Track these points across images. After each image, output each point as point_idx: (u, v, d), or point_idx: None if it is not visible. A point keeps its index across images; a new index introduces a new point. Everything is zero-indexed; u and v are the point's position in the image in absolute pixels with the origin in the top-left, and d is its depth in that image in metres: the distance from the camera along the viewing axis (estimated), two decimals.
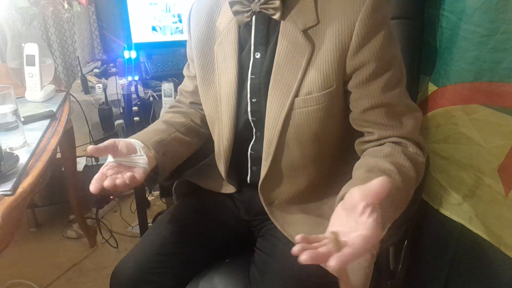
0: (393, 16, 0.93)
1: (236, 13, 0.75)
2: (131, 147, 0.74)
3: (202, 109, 0.90)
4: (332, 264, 0.43)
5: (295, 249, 0.45)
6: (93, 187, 0.66)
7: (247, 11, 0.73)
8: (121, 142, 0.73)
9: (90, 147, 0.66)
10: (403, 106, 0.72)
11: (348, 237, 0.47)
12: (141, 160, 0.74)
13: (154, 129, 0.85)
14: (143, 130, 0.85)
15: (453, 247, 1.01)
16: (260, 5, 0.71)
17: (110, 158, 0.72)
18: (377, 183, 0.48)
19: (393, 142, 0.72)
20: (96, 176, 0.68)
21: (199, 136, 0.94)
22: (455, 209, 0.97)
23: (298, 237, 0.47)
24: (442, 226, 1.02)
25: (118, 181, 0.66)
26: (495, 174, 0.86)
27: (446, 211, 0.99)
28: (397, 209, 0.63)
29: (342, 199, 0.56)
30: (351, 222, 0.49)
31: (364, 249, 0.45)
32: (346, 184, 0.62)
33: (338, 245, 0.46)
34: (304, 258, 0.44)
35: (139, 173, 0.71)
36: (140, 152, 0.74)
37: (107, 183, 0.66)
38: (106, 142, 0.69)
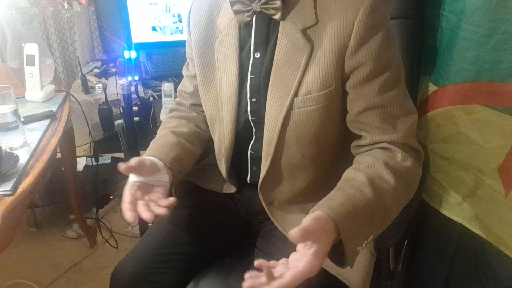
0: (393, 16, 0.93)
1: (236, 12, 0.75)
2: (155, 166, 0.77)
3: (203, 111, 0.90)
4: None
5: (246, 279, 0.55)
6: (130, 216, 0.68)
7: (248, 11, 0.73)
8: (147, 160, 0.75)
9: (121, 165, 0.68)
10: (399, 108, 0.71)
11: (292, 265, 0.56)
12: (164, 178, 0.78)
13: (167, 144, 0.86)
14: (157, 144, 0.86)
15: (453, 247, 1.01)
16: (261, 5, 0.71)
17: (133, 178, 0.74)
18: (306, 219, 0.56)
19: (381, 148, 0.72)
20: (127, 200, 0.70)
21: (203, 143, 0.95)
22: (455, 209, 0.97)
23: (256, 263, 0.54)
24: (442, 226, 1.02)
25: (159, 211, 0.69)
26: (495, 174, 0.86)
27: (446, 211, 0.99)
28: (374, 221, 0.65)
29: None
30: (300, 248, 0.58)
31: (294, 282, 0.54)
32: (320, 201, 0.65)
33: (271, 278, 0.54)
34: (246, 283, 0.55)
35: (164, 192, 0.75)
36: (162, 170, 0.78)
37: (147, 216, 0.68)
38: (135, 161, 0.71)
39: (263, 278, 0.54)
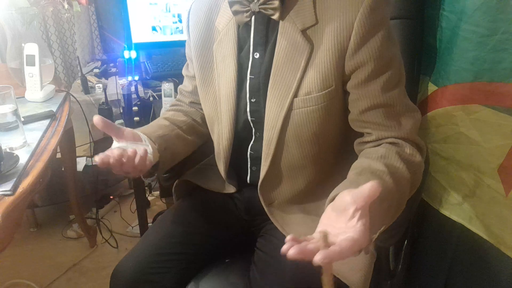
0: (393, 16, 0.93)
1: (235, 13, 0.75)
2: (136, 135, 0.74)
3: (201, 109, 0.90)
4: (317, 259, 0.44)
5: (284, 248, 0.46)
6: (98, 158, 0.64)
7: (246, 11, 0.73)
8: (127, 129, 0.73)
9: (97, 117, 0.65)
10: (402, 106, 0.72)
11: (336, 238, 0.49)
12: (147, 149, 0.74)
13: (157, 125, 0.86)
14: (146, 125, 0.86)
15: (453, 247, 1.01)
16: (260, 5, 0.71)
17: (115, 144, 0.72)
18: (367, 187, 0.48)
19: (390, 143, 0.72)
20: (102, 153, 0.66)
21: (199, 135, 0.94)
22: (455, 209, 0.97)
23: (288, 238, 0.48)
24: (442, 226, 1.02)
25: (130, 151, 0.66)
26: (495, 174, 0.86)
27: (446, 211, 0.99)
28: (390, 210, 0.63)
29: (332, 200, 0.56)
30: (340, 224, 0.50)
31: (351, 251, 0.47)
32: (338, 185, 0.62)
33: (326, 243, 0.48)
34: (291, 252, 0.45)
35: (147, 158, 0.71)
36: (145, 142, 0.75)
37: (116, 152, 0.65)
38: (112, 124, 0.69)
39: (313, 243, 0.47)
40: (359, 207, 0.49)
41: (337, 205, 0.52)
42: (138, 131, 0.78)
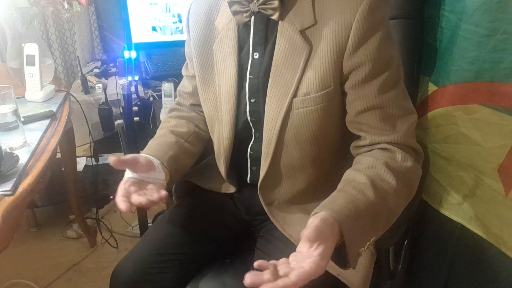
0: (393, 16, 0.93)
1: (235, 13, 0.75)
2: (150, 163, 0.76)
3: (202, 111, 0.90)
4: None
5: (247, 276, 0.52)
6: (123, 205, 0.68)
7: (246, 11, 0.73)
8: (142, 158, 0.75)
9: (113, 158, 0.67)
10: (398, 109, 0.71)
11: (296, 265, 0.54)
12: (160, 177, 0.77)
13: (166, 143, 0.86)
14: (155, 143, 0.86)
15: (453, 247, 1.01)
16: (259, 5, 0.71)
17: (129, 174, 0.74)
18: (310, 221, 0.57)
19: (382, 149, 0.72)
20: (120, 193, 0.70)
21: (202, 143, 0.95)
22: (455, 209, 0.97)
23: (255, 264, 0.53)
24: (442, 226, 1.02)
25: (151, 197, 0.69)
26: (495, 174, 0.86)
27: (446, 211, 0.99)
28: (376, 221, 0.65)
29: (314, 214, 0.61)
30: (304, 249, 0.56)
31: (299, 281, 0.52)
32: (325, 199, 0.65)
33: (276, 275, 0.53)
34: (248, 280, 0.51)
35: (160, 189, 0.73)
36: (158, 169, 0.77)
37: (138, 200, 0.68)
38: (128, 156, 0.71)
39: (267, 275, 0.52)
40: (313, 242, 0.55)
41: (300, 244, 0.57)
42: (148, 153, 0.80)
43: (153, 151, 0.81)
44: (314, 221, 0.57)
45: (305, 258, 0.54)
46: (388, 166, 0.68)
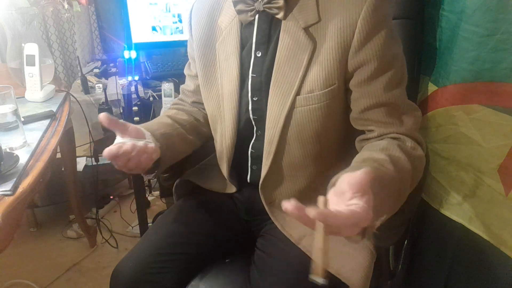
0: (393, 16, 0.92)
1: (239, 12, 0.75)
2: (140, 131, 0.74)
3: (204, 109, 0.90)
4: (312, 213, 0.43)
5: (286, 204, 0.44)
6: (108, 149, 0.65)
7: (251, 10, 0.73)
8: (132, 125, 0.73)
9: (103, 114, 0.66)
10: (404, 105, 0.72)
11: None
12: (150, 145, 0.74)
13: (160, 122, 0.85)
14: (148, 122, 0.85)
15: (453, 247, 1.01)
16: (264, 4, 0.71)
17: (119, 139, 0.71)
18: (361, 172, 0.48)
19: (391, 138, 0.72)
20: (112, 145, 0.67)
21: (200, 135, 0.94)
22: (455, 209, 0.97)
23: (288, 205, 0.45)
24: (442, 226, 1.02)
25: (141, 144, 0.67)
26: (495, 174, 0.86)
27: (446, 211, 0.99)
28: (391, 199, 0.62)
29: (333, 185, 0.55)
30: (341, 206, 0.49)
31: (350, 221, 0.46)
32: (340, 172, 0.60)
33: (326, 206, 0.47)
34: (288, 206, 0.44)
35: (152, 153, 0.71)
36: (149, 138, 0.75)
37: (129, 144, 0.66)
38: (118, 120, 0.69)
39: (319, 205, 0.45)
40: (356, 191, 0.48)
41: (337, 189, 0.52)
42: (142, 127, 0.78)
43: (145, 126, 0.79)
44: (344, 179, 0.51)
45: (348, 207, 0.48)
46: (402, 149, 0.67)
